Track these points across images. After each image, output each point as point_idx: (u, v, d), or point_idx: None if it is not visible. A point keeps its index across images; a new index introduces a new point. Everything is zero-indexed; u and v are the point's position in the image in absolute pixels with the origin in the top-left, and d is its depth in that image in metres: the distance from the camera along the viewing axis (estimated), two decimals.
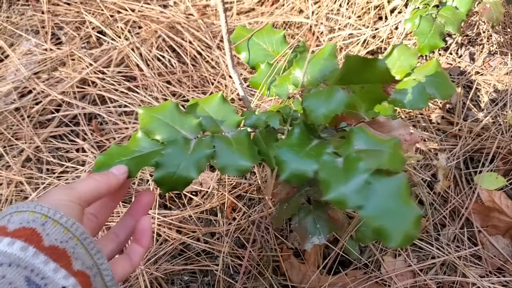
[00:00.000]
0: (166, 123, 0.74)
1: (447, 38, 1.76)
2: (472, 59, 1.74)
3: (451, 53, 1.74)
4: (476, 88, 1.65)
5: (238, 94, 1.56)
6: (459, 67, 1.71)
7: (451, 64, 1.70)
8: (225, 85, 1.56)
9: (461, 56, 1.75)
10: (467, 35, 1.78)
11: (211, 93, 1.54)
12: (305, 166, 0.71)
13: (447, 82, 1.02)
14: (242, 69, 1.64)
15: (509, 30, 1.75)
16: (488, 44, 1.76)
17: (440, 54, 1.73)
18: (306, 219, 0.99)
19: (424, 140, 1.50)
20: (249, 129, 0.82)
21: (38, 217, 0.51)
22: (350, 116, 0.84)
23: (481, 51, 1.75)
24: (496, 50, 1.75)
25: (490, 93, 1.63)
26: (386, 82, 0.68)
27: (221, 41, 1.70)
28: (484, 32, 1.76)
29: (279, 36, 1.02)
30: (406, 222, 0.64)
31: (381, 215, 0.65)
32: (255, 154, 0.76)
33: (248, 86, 1.54)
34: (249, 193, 1.34)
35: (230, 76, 1.61)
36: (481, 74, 1.68)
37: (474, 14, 1.73)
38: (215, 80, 1.58)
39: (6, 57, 1.63)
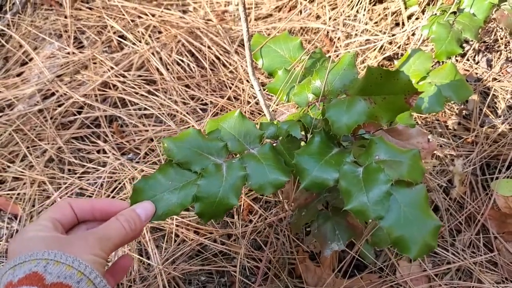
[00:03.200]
0: (194, 151, 0.75)
1: (464, 45, 1.76)
2: (489, 65, 1.74)
3: (468, 60, 1.74)
4: (493, 95, 1.65)
5: (255, 97, 1.58)
6: (476, 73, 1.71)
7: (468, 71, 1.71)
8: (243, 89, 1.59)
9: (478, 62, 1.75)
10: (484, 42, 1.78)
11: (229, 97, 1.57)
12: (325, 175, 0.73)
13: (463, 85, 1.03)
14: (259, 74, 1.67)
15: None
16: (506, 51, 1.76)
17: (457, 61, 1.74)
18: (325, 225, 0.99)
19: (441, 146, 1.51)
20: (270, 141, 0.84)
21: (74, 273, 0.54)
22: (370, 125, 0.86)
23: (499, 58, 1.75)
24: None
25: (507, 100, 1.63)
26: (408, 93, 0.70)
27: (239, 46, 1.73)
28: (501, 38, 1.76)
29: (295, 43, 1.03)
30: (425, 233, 0.66)
31: (401, 226, 0.67)
32: (285, 167, 0.77)
33: (266, 91, 1.56)
34: (266, 196, 1.36)
35: (247, 81, 1.64)
36: (498, 81, 1.68)
37: (492, 21, 1.73)
38: (232, 84, 1.60)
39: (30, 60, 1.68)
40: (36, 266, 0.53)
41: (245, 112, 1.52)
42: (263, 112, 1.52)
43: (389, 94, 0.71)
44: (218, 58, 1.68)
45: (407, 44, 1.70)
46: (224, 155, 0.77)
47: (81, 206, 0.67)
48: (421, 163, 0.72)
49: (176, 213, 0.71)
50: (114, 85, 1.58)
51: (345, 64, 0.82)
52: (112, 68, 1.60)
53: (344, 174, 0.72)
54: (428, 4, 1.68)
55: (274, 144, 0.83)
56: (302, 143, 0.86)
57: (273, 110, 1.50)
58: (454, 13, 1.38)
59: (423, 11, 1.72)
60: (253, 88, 1.59)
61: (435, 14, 1.43)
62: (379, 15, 1.79)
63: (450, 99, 1.03)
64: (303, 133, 0.88)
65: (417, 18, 1.73)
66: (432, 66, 1.55)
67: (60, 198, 1.33)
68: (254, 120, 1.50)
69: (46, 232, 0.60)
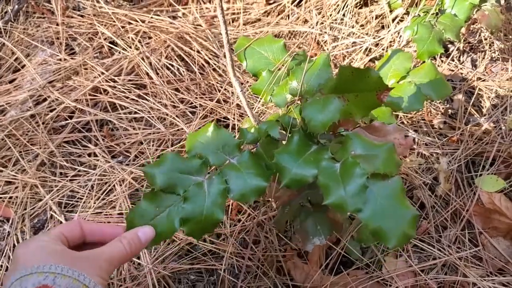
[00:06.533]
0: (174, 174, 0.77)
1: (449, 45, 1.80)
2: (474, 65, 1.77)
3: (453, 60, 1.77)
4: (478, 94, 1.68)
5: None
6: (461, 73, 1.74)
7: (453, 71, 1.74)
8: (232, 92, 1.62)
9: (463, 62, 1.78)
10: (469, 42, 1.81)
11: (218, 100, 1.60)
12: (304, 172, 0.75)
13: (442, 83, 1.05)
14: (248, 77, 1.69)
15: (510, 37, 1.78)
16: (490, 51, 1.79)
17: (442, 61, 1.77)
18: (307, 221, 1.02)
19: (426, 145, 1.53)
20: (250, 147, 0.86)
21: (79, 286, 0.59)
22: (347, 122, 0.89)
23: (483, 58, 1.78)
24: (498, 56, 1.78)
25: (491, 99, 1.66)
26: (379, 90, 0.73)
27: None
28: (486, 39, 1.80)
29: (279, 44, 1.05)
30: (402, 222, 0.69)
31: (379, 217, 0.69)
32: (265, 171, 0.80)
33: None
34: None
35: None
36: (483, 80, 1.71)
37: (476, 22, 1.76)
38: (221, 87, 1.63)
39: (23, 67, 1.71)
40: (45, 279, 0.56)
41: (234, 114, 1.55)
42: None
43: (361, 92, 0.75)
44: (207, 62, 1.71)
45: (393, 45, 1.73)
46: (204, 171, 0.79)
47: (90, 228, 0.72)
48: (395, 156, 0.75)
49: (168, 236, 0.74)
50: (104, 90, 1.61)
51: (320, 64, 0.84)
52: (102, 73, 1.63)
53: (323, 170, 0.75)
54: (410, 5, 1.71)
55: (255, 149, 0.85)
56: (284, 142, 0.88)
57: (258, 112, 1.53)
58: (436, 14, 1.42)
59: (407, 13, 1.75)
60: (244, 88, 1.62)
61: (418, 15, 1.47)
62: (365, 18, 1.82)
63: (429, 98, 1.06)
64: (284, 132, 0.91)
65: (401, 20, 1.76)
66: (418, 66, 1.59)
67: (52, 200, 1.36)
68: (241, 122, 1.53)
69: (55, 245, 0.63)
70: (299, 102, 0.89)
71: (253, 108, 1.55)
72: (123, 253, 0.67)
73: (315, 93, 0.83)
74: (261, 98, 1.04)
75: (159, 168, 0.77)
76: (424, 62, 1.68)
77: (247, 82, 1.69)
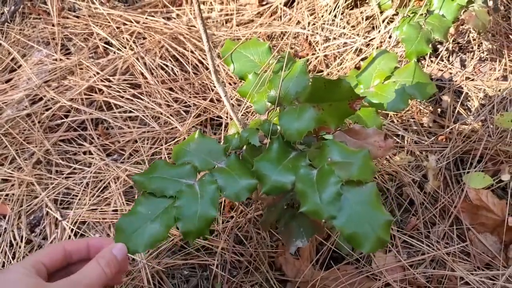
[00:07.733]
0: (165, 179, 0.79)
1: (439, 46, 1.83)
2: (463, 65, 1.81)
3: (442, 60, 1.81)
4: (466, 93, 1.71)
5: (238, 99, 1.63)
6: (451, 73, 1.77)
7: (442, 70, 1.77)
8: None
9: (452, 62, 1.81)
10: (458, 43, 1.84)
11: (211, 99, 1.62)
12: (284, 179, 0.78)
13: (427, 82, 1.08)
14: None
15: (498, 37, 1.81)
16: (479, 51, 1.83)
17: (431, 61, 1.80)
18: (291, 223, 1.04)
19: (416, 143, 1.57)
20: (237, 151, 0.89)
21: None
22: (326, 128, 0.91)
23: (472, 58, 1.82)
24: (487, 56, 1.81)
25: (480, 98, 1.69)
26: (351, 99, 0.76)
27: None
28: (474, 39, 1.83)
29: (264, 47, 1.08)
30: (377, 228, 0.70)
31: (353, 223, 0.71)
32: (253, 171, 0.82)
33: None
34: None
35: (229, 83, 1.69)
36: (472, 80, 1.74)
37: (465, 22, 1.80)
38: (215, 87, 1.65)
39: (19, 67, 1.73)
40: None
41: (226, 113, 1.57)
42: (247, 113, 1.57)
43: (334, 101, 0.77)
44: (201, 62, 1.73)
45: (383, 46, 1.76)
46: (194, 176, 0.81)
47: (75, 247, 0.71)
48: (371, 163, 0.76)
49: (164, 237, 0.74)
50: (100, 89, 1.63)
51: (297, 72, 0.86)
52: (98, 73, 1.65)
53: (300, 177, 0.77)
54: (400, 6, 1.74)
55: (240, 153, 0.88)
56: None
57: (244, 115, 1.56)
58: (425, 15, 1.45)
59: (397, 14, 1.78)
60: (235, 90, 1.65)
61: (407, 16, 1.50)
62: (356, 19, 1.86)
63: (414, 97, 1.08)
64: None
65: (391, 21, 1.80)
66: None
67: (48, 197, 1.38)
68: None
69: (29, 277, 0.62)
70: (276, 109, 0.91)
71: (245, 106, 1.58)
72: (102, 276, 0.65)
73: (293, 101, 0.85)
74: (247, 101, 1.06)
75: (149, 174, 0.80)
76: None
77: (240, 81, 1.71)
